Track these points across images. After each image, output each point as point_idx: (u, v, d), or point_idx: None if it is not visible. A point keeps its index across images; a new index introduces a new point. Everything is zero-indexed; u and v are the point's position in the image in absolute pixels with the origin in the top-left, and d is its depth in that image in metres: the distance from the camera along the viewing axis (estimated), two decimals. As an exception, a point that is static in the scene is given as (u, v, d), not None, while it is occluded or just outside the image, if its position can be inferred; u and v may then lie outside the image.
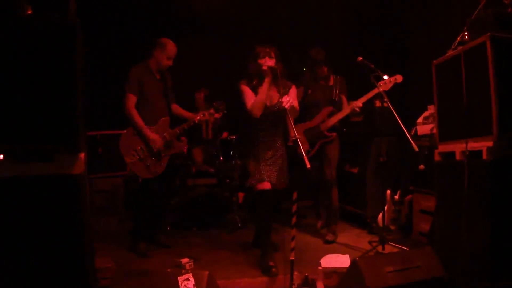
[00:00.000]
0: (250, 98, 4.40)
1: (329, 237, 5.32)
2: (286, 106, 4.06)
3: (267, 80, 4.30)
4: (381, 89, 4.83)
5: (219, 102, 5.04)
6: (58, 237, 2.65)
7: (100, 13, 6.58)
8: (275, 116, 4.48)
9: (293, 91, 4.57)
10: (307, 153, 5.30)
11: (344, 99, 5.56)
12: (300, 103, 5.30)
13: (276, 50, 4.44)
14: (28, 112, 2.59)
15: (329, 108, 5.43)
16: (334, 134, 5.44)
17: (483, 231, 3.21)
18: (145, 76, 4.84)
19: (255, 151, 4.52)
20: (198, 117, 4.96)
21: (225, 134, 6.67)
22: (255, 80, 4.46)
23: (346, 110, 5.30)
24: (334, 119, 5.38)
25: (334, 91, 5.52)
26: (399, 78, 4.93)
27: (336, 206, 5.43)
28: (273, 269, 4.00)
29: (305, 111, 5.51)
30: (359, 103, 5.12)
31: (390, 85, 4.91)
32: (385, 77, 4.89)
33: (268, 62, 4.28)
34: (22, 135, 2.59)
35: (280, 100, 4.15)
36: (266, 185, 4.34)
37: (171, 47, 4.87)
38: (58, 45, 2.62)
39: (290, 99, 4.14)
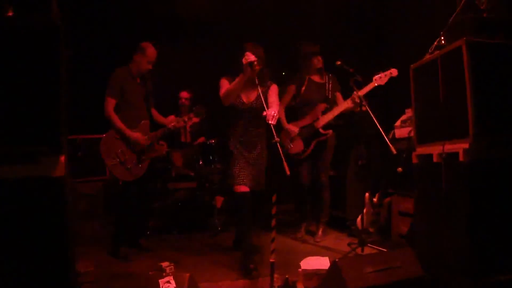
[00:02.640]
0: (224, 88, 4.42)
1: (318, 238, 5.44)
2: (271, 122, 3.91)
3: (242, 75, 4.21)
4: (376, 84, 4.88)
5: (199, 107, 5.03)
6: (39, 240, 2.63)
7: (83, 16, 6.56)
8: (254, 116, 4.48)
9: (273, 89, 4.54)
10: (302, 152, 5.34)
11: (339, 96, 5.52)
12: (291, 101, 5.41)
13: (261, 49, 4.38)
14: (9, 113, 2.57)
15: (323, 105, 5.37)
16: (330, 131, 5.38)
17: (461, 231, 3.26)
18: (126, 80, 4.85)
19: (234, 151, 4.53)
20: (172, 124, 4.98)
21: (201, 139, 6.67)
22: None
23: (341, 106, 5.22)
24: (329, 116, 5.30)
25: (327, 89, 5.48)
26: (394, 72, 4.88)
27: (328, 208, 5.54)
28: (254, 272, 4.01)
29: (298, 109, 5.50)
30: (357, 96, 4.93)
31: (386, 79, 4.89)
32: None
33: (250, 57, 4.13)
34: (2, 136, 2.58)
35: (264, 114, 3.98)
36: (244, 188, 4.36)
37: (151, 51, 4.88)
38: (41, 46, 2.61)
39: (275, 113, 3.97)
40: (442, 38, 3.78)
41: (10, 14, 2.64)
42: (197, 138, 6.72)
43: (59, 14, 2.86)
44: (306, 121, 5.43)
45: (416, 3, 6.10)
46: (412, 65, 4.01)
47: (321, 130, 5.32)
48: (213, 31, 7.42)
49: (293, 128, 5.38)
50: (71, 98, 3.00)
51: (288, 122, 5.51)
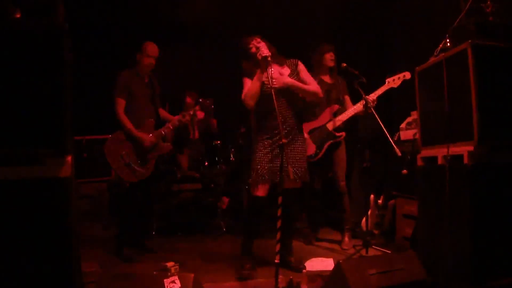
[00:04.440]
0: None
1: (345, 245, 5.16)
2: (265, 54, 3.86)
3: (259, 71, 4.02)
4: (389, 86, 4.87)
5: (204, 100, 5.01)
6: (45, 240, 2.66)
7: (88, 18, 6.59)
8: (288, 96, 4.19)
9: (302, 68, 4.33)
10: (314, 155, 5.15)
11: (347, 99, 5.39)
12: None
13: (259, 35, 4.24)
14: (16, 115, 2.59)
15: (335, 106, 5.22)
16: (343, 133, 5.21)
17: (464, 234, 3.27)
18: (132, 80, 4.88)
19: (259, 147, 4.19)
20: (177, 119, 4.99)
21: (214, 121, 6.69)
22: (257, 68, 4.11)
23: (355, 108, 5.07)
24: (343, 117, 5.14)
25: (337, 90, 5.31)
26: (407, 75, 4.80)
27: (349, 213, 5.32)
28: (245, 272, 4.04)
29: (308, 110, 5.23)
30: (373, 97, 4.87)
31: (399, 82, 4.86)
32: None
33: (264, 52, 3.92)
34: (9, 138, 2.60)
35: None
36: (261, 191, 4.15)
37: (150, 47, 4.92)
38: (46, 48, 2.64)
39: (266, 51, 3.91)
40: (448, 41, 3.78)
41: (18, 16, 2.67)
42: (205, 135, 6.74)
43: (64, 17, 2.88)
44: (317, 122, 5.26)
45: (422, 6, 6.10)
46: (417, 68, 4.02)
47: (334, 133, 5.17)
48: (217, 33, 7.44)
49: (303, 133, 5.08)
50: (76, 99, 3.03)
51: None
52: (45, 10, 2.78)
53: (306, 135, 5.10)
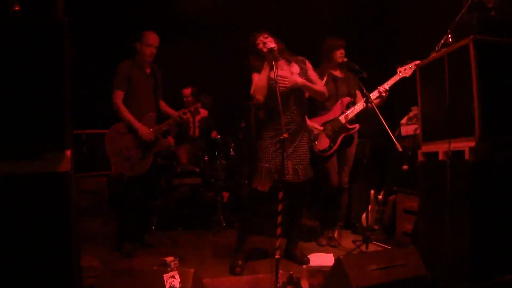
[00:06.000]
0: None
1: (334, 241, 5.15)
2: (271, 46, 3.88)
3: (266, 64, 4.01)
4: (402, 76, 4.82)
5: (204, 96, 4.99)
6: (44, 235, 2.65)
7: (87, 11, 6.57)
8: (296, 95, 4.22)
9: (309, 66, 4.34)
10: (328, 149, 5.05)
11: (359, 94, 5.22)
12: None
13: (267, 32, 4.22)
14: (15, 110, 2.58)
15: (347, 98, 5.11)
16: (357, 125, 5.09)
17: (465, 230, 3.25)
18: (133, 71, 4.85)
19: (269, 140, 4.21)
20: (178, 115, 4.97)
21: (214, 133, 6.69)
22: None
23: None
24: (356, 109, 5.03)
25: (348, 83, 5.22)
26: (419, 64, 4.78)
27: (344, 211, 5.33)
28: (237, 269, 4.08)
29: (319, 104, 5.13)
30: (385, 87, 4.88)
31: (410, 72, 4.77)
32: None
33: (269, 44, 3.97)
34: (7, 132, 2.59)
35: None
36: (264, 186, 4.18)
37: (150, 35, 4.88)
38: (46, 42, 2.62)
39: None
40: (449, 36, 3.76)
41: (17, 8, 2.65)
42: (205, 133, 6.73)
43: (64, 11, 2.86)
44: (330, 115, 5.14)
45: (424, 2, 6.08)
46: (418, 62, 4.00)
47: (348, 125, 5.07)
48: (219, 27, 7.42)
49: (316, 126, 5.04)
50: (77, 93, 3.01)
51: (311, 117, 5.12)
52: (45, 4, 2.76)
53: (320, 129, 5.05)
